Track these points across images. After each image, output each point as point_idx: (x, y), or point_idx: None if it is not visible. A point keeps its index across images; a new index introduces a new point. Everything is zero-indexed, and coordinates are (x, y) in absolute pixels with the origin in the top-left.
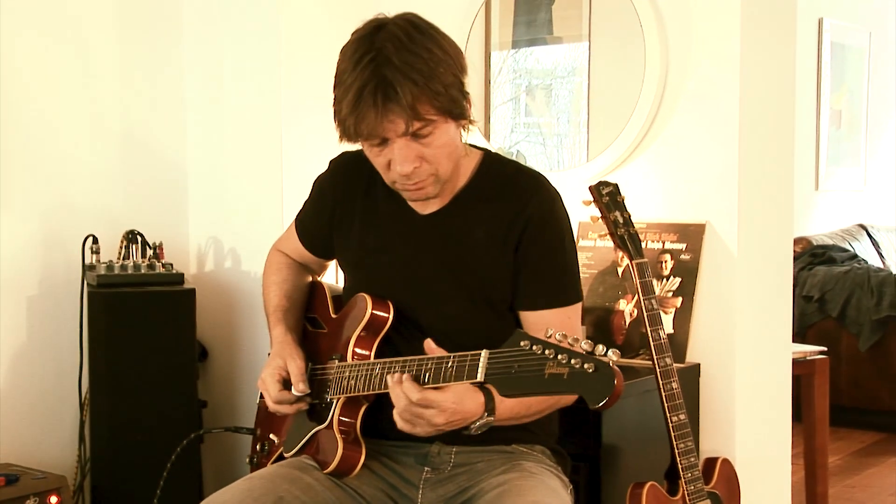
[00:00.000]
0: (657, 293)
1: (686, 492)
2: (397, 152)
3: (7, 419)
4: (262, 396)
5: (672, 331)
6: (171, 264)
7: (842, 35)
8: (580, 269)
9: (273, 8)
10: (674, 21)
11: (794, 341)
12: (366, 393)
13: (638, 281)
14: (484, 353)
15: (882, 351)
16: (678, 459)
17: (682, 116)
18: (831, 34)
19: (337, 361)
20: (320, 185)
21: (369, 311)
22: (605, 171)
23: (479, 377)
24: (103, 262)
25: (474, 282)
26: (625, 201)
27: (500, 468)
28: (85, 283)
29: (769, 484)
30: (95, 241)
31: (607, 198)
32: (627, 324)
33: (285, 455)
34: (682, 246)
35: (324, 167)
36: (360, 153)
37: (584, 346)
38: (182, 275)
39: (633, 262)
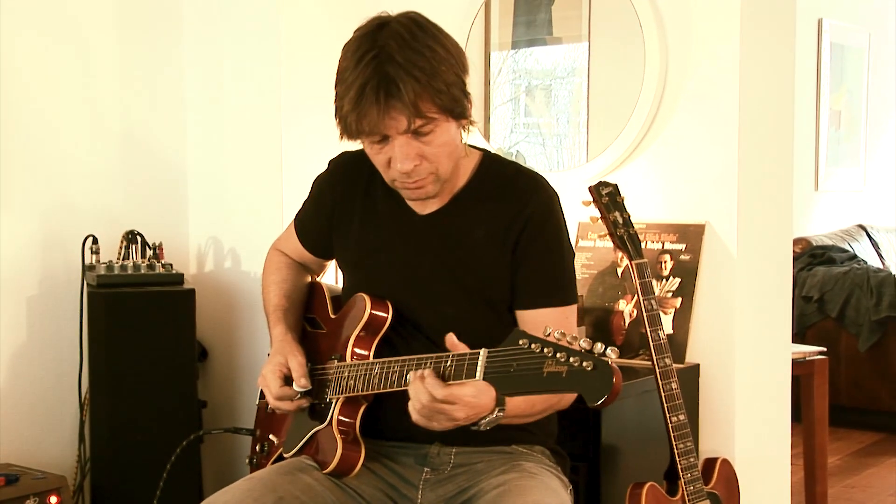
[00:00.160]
0: (657, 293)
1: (685, 492)
2: (398, 150)
3: (7, 419)
4: (261, 397)
5: (671, 331)
6: (171, 264)
7: (841, 35)
8: (579, 270)
9: (273, 8)
10: (673, 21)
11: (793, 342)
12: (365, 393)
13: (637, 281)
14: (483, 352)
15: (881, 351)
16: (678, 460)
17: (681, 117)
18: (831, 34)
19: (336, 361)
20: (320, 184)
21: (368, 311)
22: (605, 172)
23: (478, 376)
24: (103, 263)
25: (473, 282)
26: (624, 202)
27: (500, 468)
28: (85, 283)
29: (769, 484)
30: (95, 241)
31: (607, 198)
32: (627, 324)
33: (285, 455)
34: (682, 246)
35: (323, 167)
36: (359, 153)
37: (583, 344)
38: (182, 275)
39: (633, 262)
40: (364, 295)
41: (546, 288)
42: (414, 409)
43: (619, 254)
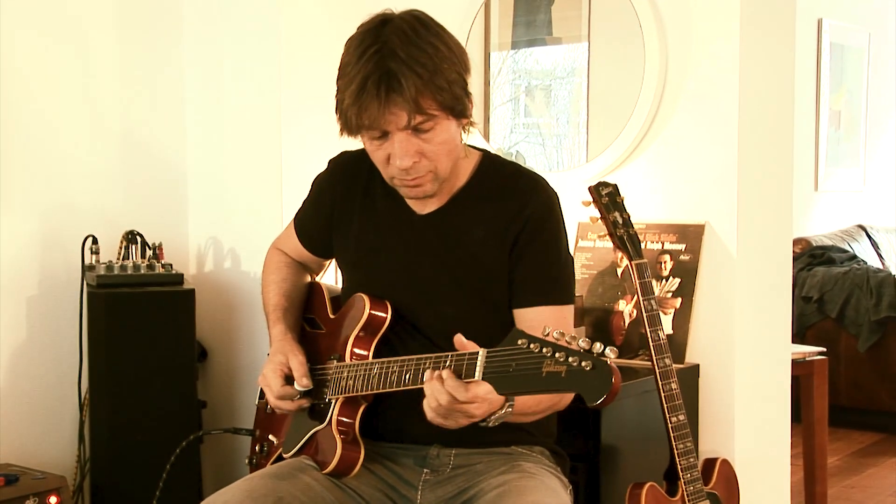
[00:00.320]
0: (656, 294)
1: (685, 492)
2: (397, 146)
3: (7, 419)
4: (261, 396)
5: (671, 331)
6: (171, 264)
7: (841, 35)
8: (579, 270)
9: (273, 8)
10: (673, 22)
11: (793, 342)
12: (364, 393)
13: (637, 281)
14: (482, 352)
15: (881, 351)
16: (677, 460)
17: (681, 117)
18: (830, 35)
19: (335, 361)
20: (319, 184)
21: (367, 311)
22: (605, 172)
23: (477, 376)
24: (103, 263)
25: (473, 281)
26: (624, 202)
27: (500, 469)
28: (85, 283)
29: (768, 484)
30: (95, 241)
31: (607, 198)
32: (627, 324)
33: (284, 455)
34: (682, 246)
35: (323, 167)
36: (359, 153)
37: (582, 343)
38: (182, 275)
39: (633, 262)
40: (363, 295)
41: (543, 286)
42: (430, 407)
43: (619, 254)
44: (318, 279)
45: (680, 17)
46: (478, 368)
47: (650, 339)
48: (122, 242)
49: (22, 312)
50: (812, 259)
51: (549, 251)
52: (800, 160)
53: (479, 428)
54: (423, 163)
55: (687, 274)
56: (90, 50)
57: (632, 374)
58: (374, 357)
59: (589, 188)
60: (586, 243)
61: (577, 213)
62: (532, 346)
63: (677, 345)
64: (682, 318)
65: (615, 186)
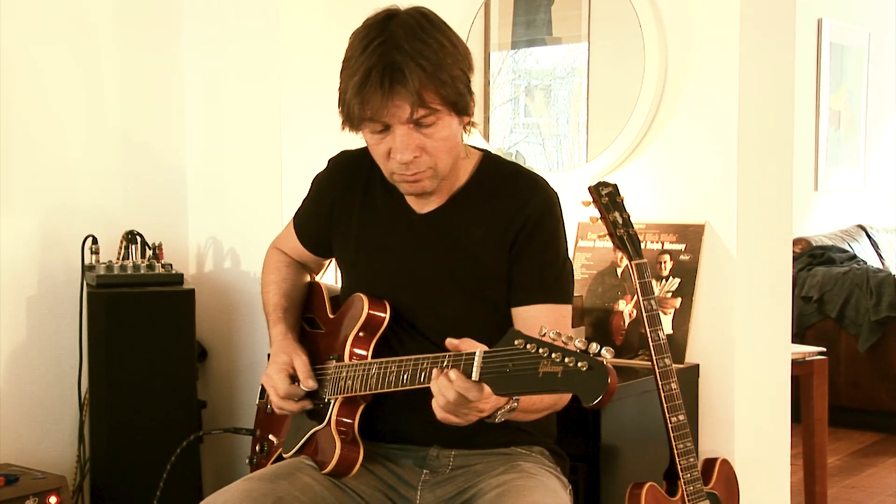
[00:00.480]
0: (656, 294)
1: (685, 492)
2: (398, 139)
3: (7, 419)
4: (261, 396)
5: (671, 331)
6: (171, 264)
7: (841, 36)
8: (579, 270)
9: (273, 8)
10: (673, 22)
11: (793, 342)
12: (363, 393)
13: (637, 281)
14: (479, 353)
15: (881, 352)
16: (677, 460)
17: (681, 117)
18: (830, 35)
19: (334, 361)
20: (319, 183)
21: (366, 311)
22: (605, 172)
23: (475, 376)
24: (103, 263)
25: (472, 281)
26: (624, 202)
27: (499, 469)
28: (84, 283)
29: (768, 484)
30: (95, 241)
31: (606, 198)
32: (626, 324)
33: (284, 455)
34: (682, 246)
35: (323, 167)
36: (358, 152)
37: (578, 344)
38: (181, 275)
39: (633, 262)
40: (362, 295)
41: (540, 284)
42: (438, 405)
43: (619, 254)
44: (317, 279)
45: (680, 17)
46: (475, 369)
47: (650, 339)
48: (121, 242)
49: (22, 312)
50: (812, 259)
51: (548, 250)
52: (800, 160)
53: (479, 429)
54: (423, 158)
55: (687, 274)
56: (90, 50)
57: (632, 374)
58: (373, 357)
59: (589, 188)
60: (586, 243)
61: (577, 213)
62: (529, 346)
63: (677, 345)
64: (682, 318)
65: (615, 186)
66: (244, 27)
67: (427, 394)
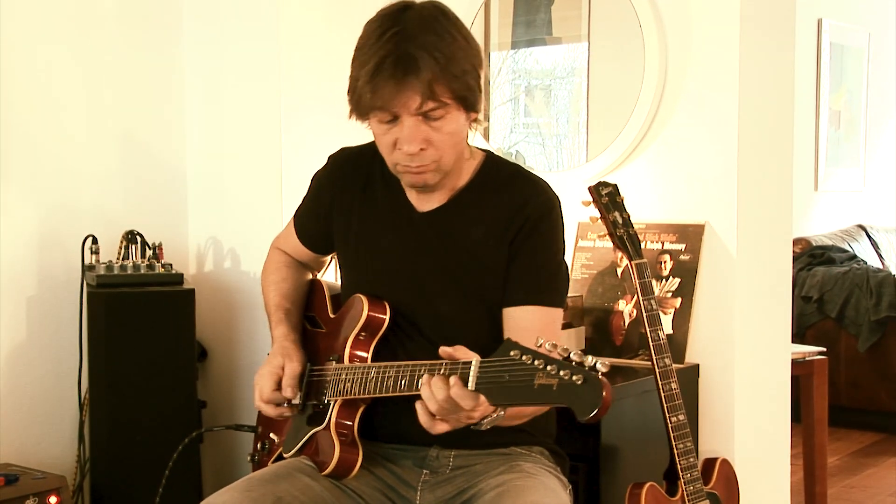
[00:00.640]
0: (656, 294)
1: (685, 492)
2: (406, 130)
3: (7, 419)
4: None
5: (671, 331)
6: (171, 264)
7: (841, 36)
8: (579, 270)
9: (273, 8)
10: (673, 22)
11: (793, 342)
12: (362, 396)
13: (637, 281)
14: (475, 362)
15: (881, 351)
16: (677, 460)
17: (681, 117)
18: (830, 35)
19: (334, 363)
20: (318, 180)
21: (366, 312)
22: (605, 172)
23: (471, 386)
24: (103, 263)
25: (471, 281)
26: (624, 202)
27: (499, 469)
28: (84, 283)
29: (768, 484)
30: (95, 241)
31: (606, 198)
32: (627, 324)
33: (284, 455)
34: (682, 246)
35: (322, 165)
36: (358, 149)
37: (574, 357)
38: (181, 275)
39: (633, 262)
40: (362, 296)
41: (533, 285)
42: (426, 409)
43: (619, 254)
44: (319, 275)
45: (680, 17)
46: (471, 378)
47: (650, 339)
48: (122, 242)
49: (22, 312)
50: (812, 259)
51: (545, 252)
52: (800, 160)
53: (473, 430)
54: (429, 151)
55: (687, 274)
56: (90, 50)
57: (632, 374)
58: (373, 358)
59: (589, 188)
60: (586, 243)
61: (577, 213)
62: (524, 357)
63: (677, 345)
64: (682, 318)
65: (615, 186)
66: (244, 27)
67: None
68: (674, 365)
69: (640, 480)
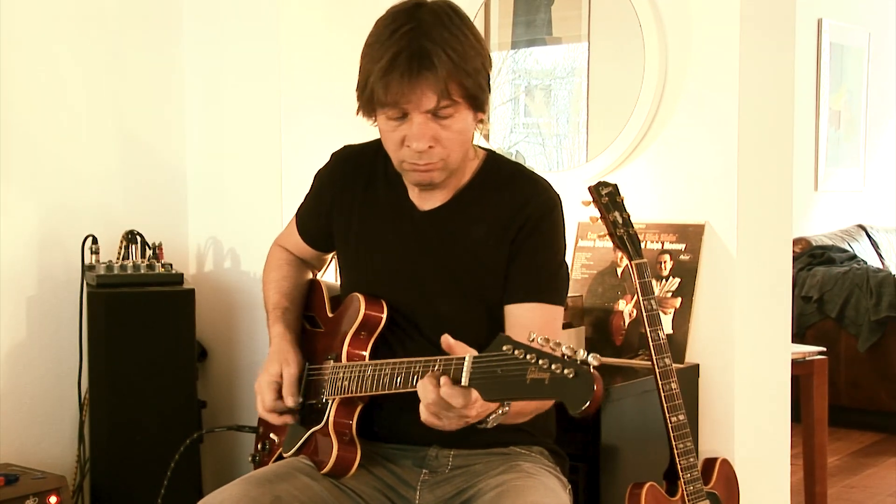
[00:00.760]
0: (656, 294)
1: (685, 492)
2: (415, 127)
3: (7, 419)
4: None
5: (671, 331)
6: (171, 264)
7: (841, 35)
8: (579, 270)
9: (273, 8)
10: (673, 22)
11: (793, 342)
12: (359, 394)
13: (637, 281)
14: (468, 358)
15: (881, 351)
16: (677, 460)
17: (681, 117)
18: (830, 35)
19: (332, 362)
20: (320, 178)
21: (363, 311)
22: (605, 172)
23: (464, 381)
24: (103, 263)
25: (471, 281)
26: (624, 202)
27: (498, 469)
28: (84, 283)
29: (768, 484)
30: (95, 241)
31: (606, 198)
32: (627, 324)
33: (284, 455)
34: (682, 246)
35: (323, 165)
36: (361, 147)
37: (566, 350)
38: (181, 275)
39: (633, 262)
40: (359, 295)
41: (534, 284)
42: (424, 408)
43: (619, 254)
44: (319, 275)
45: (680, 17)
46: (464, 374)
47: (650, 339)
48: (121, 242)
49: (22, 312)
50: (812, 259)
51: (546, 250)
52: (800, 160)
53: (478, 429)
54: (436, 149)
55: (687, 274)
56: (90, 50)
57: (632, 374)
58: (371, 356)
59: (589, 188)
60: (586, 243)
61: (577, 213)
62: (517, 352)
63: (677, 345)
64: (682, 318)
65: (615, 186)
66: (244, 27)
67: None
68: (674, 365)
69: (640, 480)
